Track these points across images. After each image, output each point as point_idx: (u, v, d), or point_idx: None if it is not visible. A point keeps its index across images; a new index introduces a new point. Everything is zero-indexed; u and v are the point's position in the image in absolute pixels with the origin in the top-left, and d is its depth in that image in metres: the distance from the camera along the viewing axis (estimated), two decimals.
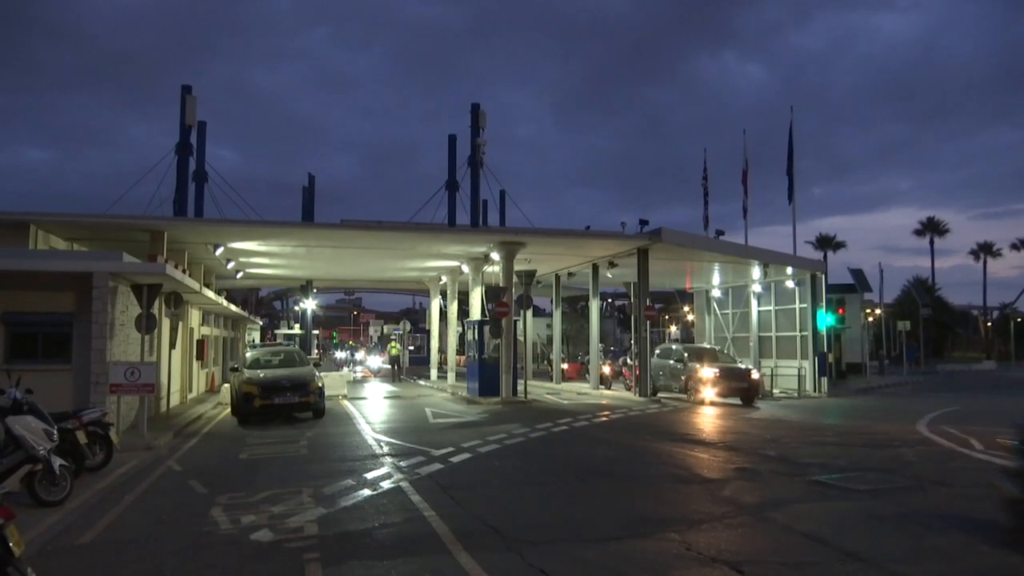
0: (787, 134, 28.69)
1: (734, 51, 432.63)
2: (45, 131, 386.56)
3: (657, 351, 24.54)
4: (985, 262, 67.24)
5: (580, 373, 33.93)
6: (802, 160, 29.27)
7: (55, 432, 8.58)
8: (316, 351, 47.79)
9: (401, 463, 10.84)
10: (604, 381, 27.46)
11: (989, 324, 67.89)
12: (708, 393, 20.41)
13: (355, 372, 39.68)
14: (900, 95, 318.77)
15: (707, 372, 20.73)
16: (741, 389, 20.66)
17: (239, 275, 29.44)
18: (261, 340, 44.17)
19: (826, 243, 62.21)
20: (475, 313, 27.24)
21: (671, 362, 22.81)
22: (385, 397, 24.40)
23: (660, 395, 22.60)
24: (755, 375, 21.48)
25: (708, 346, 27.38)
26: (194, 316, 24.62)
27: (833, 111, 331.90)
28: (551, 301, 34.72)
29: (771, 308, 28.47)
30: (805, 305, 26.28)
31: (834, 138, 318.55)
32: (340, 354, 51.15)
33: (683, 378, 21.64)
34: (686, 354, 22.64)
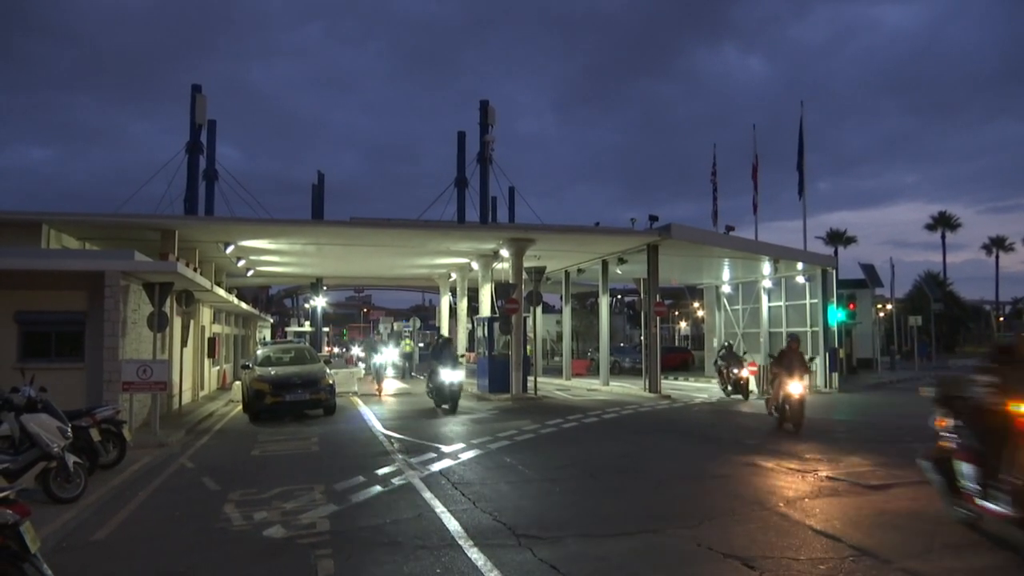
0: (790, 128, 28.88)
1: (734, 44, 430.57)
2: (47, 129, 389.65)
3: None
4: (997, 256, 66.83)
5: (589, 369, 33.90)
6: (807, 154, 29.03)
7: (69, 430, 8.65)
8: (328, 348, 47.12)
9: (412, 459, 10.87)
10: (739, 389, 20.77)
11: (1001, 319, 67.41)
12: None
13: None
14: (904, 88, 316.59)
15: None
16: None
17: (250, 273, 29.55)
18: (272, 337, 44.33)
19: (836, 238, 61.93)
20: (485, 310, 27.22)
21: None
22: (395, 394, 24.45)
23: None
24: None
25: None
26: (205, 314, 24.76)
27: (836, 104, 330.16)
28: (561, 297, 34.66)
29: (781, 304, 28.35)
30: (816, 300, 26.15)
31: (838, 132, 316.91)
32: (382, 355, 26.97)
33: None
34: None
